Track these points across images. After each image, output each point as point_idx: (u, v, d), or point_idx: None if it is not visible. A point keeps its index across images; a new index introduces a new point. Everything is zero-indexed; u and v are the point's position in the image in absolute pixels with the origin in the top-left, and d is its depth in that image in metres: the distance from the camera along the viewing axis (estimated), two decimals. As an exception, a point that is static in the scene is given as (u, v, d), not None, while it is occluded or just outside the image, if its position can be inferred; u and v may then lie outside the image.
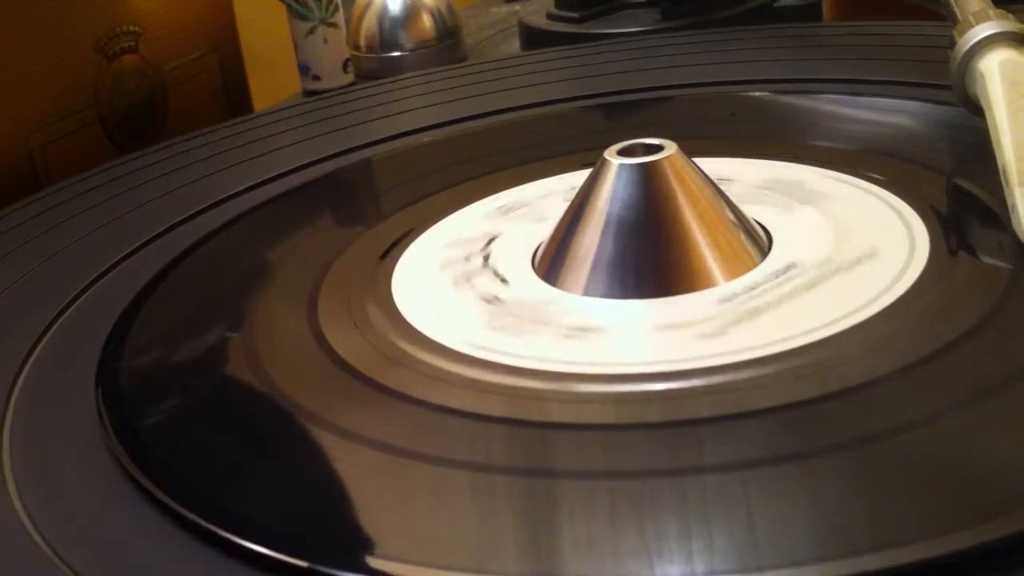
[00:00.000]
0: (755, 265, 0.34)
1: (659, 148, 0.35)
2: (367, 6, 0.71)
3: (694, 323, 0.32)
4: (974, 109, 0.39)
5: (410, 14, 0.71)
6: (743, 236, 0.35)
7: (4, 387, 0.33)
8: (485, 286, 0.36)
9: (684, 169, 0.35)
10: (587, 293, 0.34)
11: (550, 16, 0.69)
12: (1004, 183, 0.34)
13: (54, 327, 0.37)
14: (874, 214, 0.36)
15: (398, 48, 0.71)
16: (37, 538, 0.26)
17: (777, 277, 0.33)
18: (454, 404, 0.29)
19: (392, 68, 0.69)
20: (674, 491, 0.25)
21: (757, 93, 0.50)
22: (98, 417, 0.31)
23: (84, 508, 0.27)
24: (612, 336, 0.32)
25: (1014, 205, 0.33)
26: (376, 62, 0.71)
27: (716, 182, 0.36)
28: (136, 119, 0.62)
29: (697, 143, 0.39)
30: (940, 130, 0.43)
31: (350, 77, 0.68)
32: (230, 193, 0.47)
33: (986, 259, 0.33)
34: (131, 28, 0.61)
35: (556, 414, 0.29)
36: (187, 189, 0.48)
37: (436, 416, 0.29)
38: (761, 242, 0.35)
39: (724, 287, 0.33)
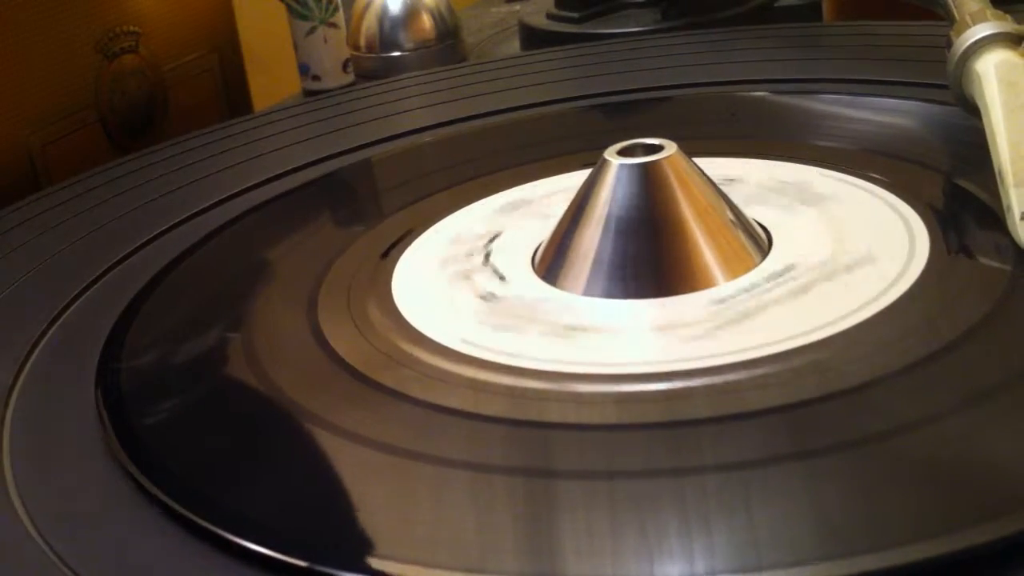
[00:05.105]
0: (755, 265, 0.34)
1: (659, 148, 0.35)
2: (367, 6, 0.71)
3: (694, 323, 0.32)
4: (971, 109, 0.39)
5: (410, 14, 0.71)
6: (743, 236, 0.35)
7: (4, 387, 0.33)
8: (485, 286, 0.36)
9: (684, 169, 0.35)
10: (587, 293, 0.34)
11: (550, 16, 0.69)
12: (1000, 184, 0.34)
13: (54, 327, 0.37)
14: (874, 214, 0.36)
15: (398, 48, 0.71)
16: (37, 538, 0.26)
17: (777, 277, 0.33)
18: (454, 404, 0.29)
19: (392, 68, 0.69)
20: (674, 491, 0.25)
21: (757, 93, 0.50)
22: (98, 417, 0.31)
23: (84, 508, 0.27)
24: (612, 336, 0.32)
25: (1009, 206, 0.33)
26: (376, 62, 0.71)
27: (717, 182, 0.36)
28: (136, 119, 0.62)
29: (697, 143, 0.39)
30: (940, 130, 0.43)
31: (350, 77, 0.68)
32: (230, 193, 0.47)
33: (985, 259, 0.33)
34: (131, 28, 0.61)
35: (556, 414, 0.29)
36: (187, 189, 0.48)
37: (436, 416, 0.29)
38: (761, 242, 0.35)
39: (724, 287, 0.33)
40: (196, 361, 0.35)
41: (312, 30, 0.66)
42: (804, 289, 0.32)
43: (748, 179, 0.40)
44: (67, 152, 0.57)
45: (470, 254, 0.38)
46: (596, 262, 0.34)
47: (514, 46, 0.73)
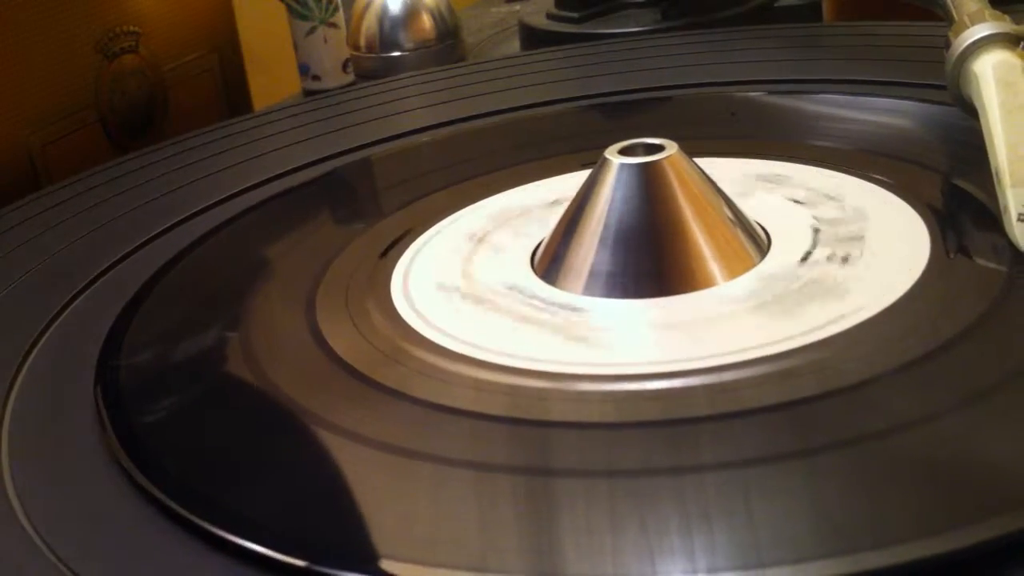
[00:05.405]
0: (754, 264, 0.34)
1: (659, 148, 0.35)
2: (367, 6, 0.71)
3: (694, 322, 0.32)
4: (969, 110, 0.39)
5: (410, 14, 0.71)
6: (743, 236, 0.35)
7: (3, 386, 0.33)
8: (484, 285, 0.36)
9: (684, 169, 0.35)
10: (586, 293, 0.34)
11: (550, 16, 0.69)
12: (997, 184, 0.34)
13: (53, 326, 0.37)
14: (873, 214, 0.36)
15: (398, 48, 0.71)
16: (35, 538, 0.26)
17: (776, 276, 0.33)
18: (453, 403, 0.29)
19: (392, 68, 0.69)
20: (675, 490, 0.25)
21: (757, 93, 0.50)
22: (97, 416, 0.31)
23: (82, 508, 0.27)
24: (611, 335, 0.32)
25: (1006, 206, 0.33)
26: (376, 62, 0.71)
27: (717, 181, 0.36)
28: (136, 119, 0.62)
29: (697, 143, 0.39)
30: (939, 130, 0.43)
31: (350, 77, 0.68)
32: (230, 193, 0.47)
33: (984, 259, 0.33)
34: (131, 28, 0.61)
35: (556, 413, 0.29)
36: (187, 189, 0.48)
37: (435, 415, 0.29)
38: (761, 241, 0.35)
39: (725, 286, 0.33)
40: (195, 360, 0.35)
41: (312, 30, 0.66)
42: (801, 289, 0.32)
43: (746, 178, 0.40)
44: (67, 152, 0.57)
45: (469, 254, 0.38)
46: (596, 262, 0.34)
47: (514, 46, 0.73)
